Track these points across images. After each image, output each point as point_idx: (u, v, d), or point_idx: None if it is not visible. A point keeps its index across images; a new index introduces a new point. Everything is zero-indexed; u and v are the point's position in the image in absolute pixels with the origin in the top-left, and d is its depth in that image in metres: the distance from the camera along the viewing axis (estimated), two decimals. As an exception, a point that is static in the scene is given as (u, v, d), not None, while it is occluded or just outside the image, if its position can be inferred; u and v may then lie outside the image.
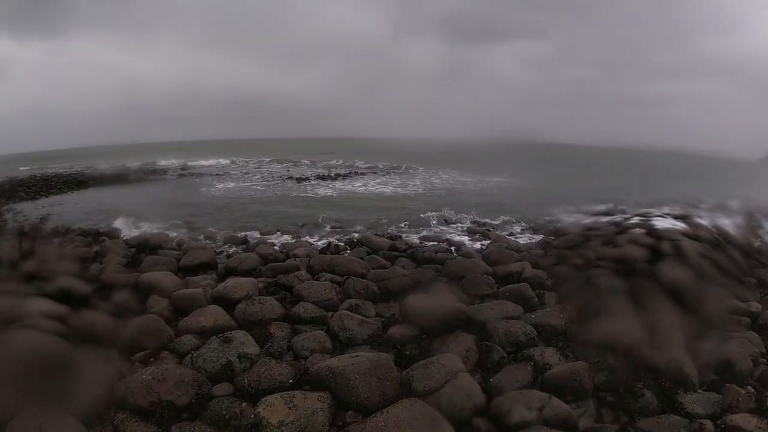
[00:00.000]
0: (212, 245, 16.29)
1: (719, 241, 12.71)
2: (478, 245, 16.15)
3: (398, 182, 37.76)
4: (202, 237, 17.73)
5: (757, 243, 14.77)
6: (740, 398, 7.05)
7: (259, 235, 18.04)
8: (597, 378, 7.32)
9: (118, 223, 19.60)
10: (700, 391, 7.22)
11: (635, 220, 13.21)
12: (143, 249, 15.31)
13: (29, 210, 26.15)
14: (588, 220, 14.33)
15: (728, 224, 13.77)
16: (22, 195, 31.88)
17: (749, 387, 7.40)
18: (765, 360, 8.37)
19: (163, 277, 11.32)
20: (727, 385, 7.34)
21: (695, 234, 12.64)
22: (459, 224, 19.99)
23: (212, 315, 9.20)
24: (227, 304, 9.81)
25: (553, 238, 15.83)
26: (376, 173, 44.18)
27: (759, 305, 10.58)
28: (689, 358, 7.63)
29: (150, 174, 45.59)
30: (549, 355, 7.99)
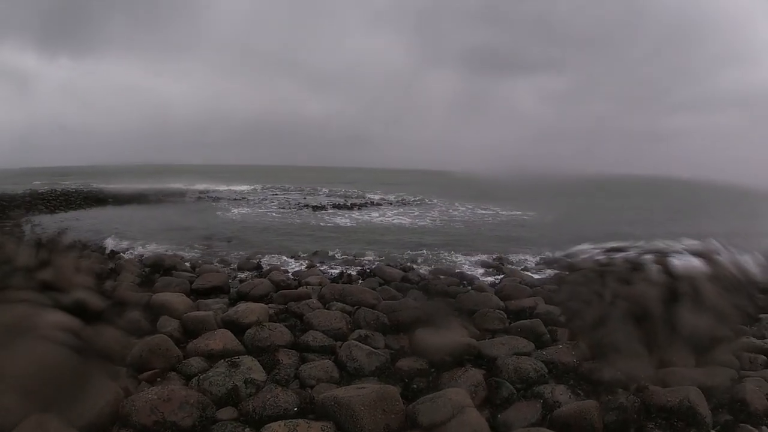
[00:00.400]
0: (225, 269, 16.36)
1: (737, 279, 12.56)
2: (491, 279, 16.04)
3: (416, 213, 37.77)
4: (215, 261, 17.83)
5: None
6: (755, 439, 6.88)
7: (272, 262, 18.09)
8: (607, 417, 7.16)
9: (109, 242, 19.88)
10: (713, 431, 7.05)
11: (651, 256, 13.03)
12: (158, 269, 15.43)
13: (47, 222, 26.65)
14: (603, 256, 14.17)
15: (748, 261, 13.54)
16: (42, 208, 32.61)
17: (764, 427, 7.22)
18: (781, 398, 8.17)
19: (175, 298, 11.37)
20: (741, 425, 7.15)
21: (713, 272, 12.58)
22: (473, 257, 19.82)
23: (221, 339, 9.19)
24: (237, 328, 9.81)
25: (567, 273, 15.65)
26: (393, 204, 44.24)
27: None
28: (702, 398, 7.46)
29: (168, 196, 46.08)
30: (559, 392, 7.85)
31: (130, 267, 15.06)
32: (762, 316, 12.06)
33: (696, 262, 12.11)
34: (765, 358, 9.61)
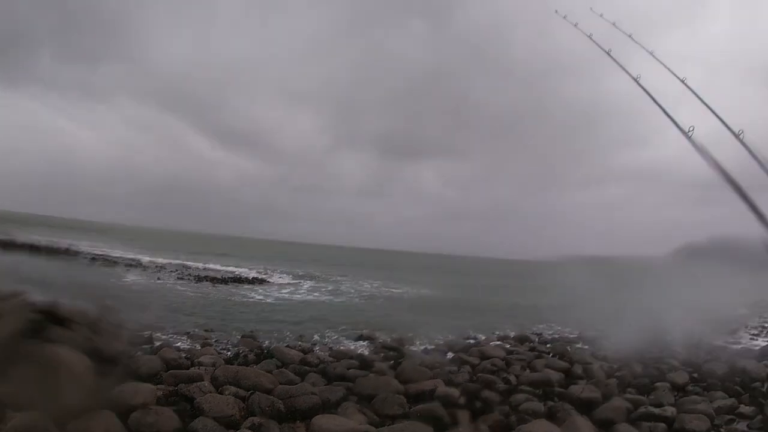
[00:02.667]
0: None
1: (624, 358, 14.11)
2: (391, 362, 15.75)
3: (330, 288, 38.73)
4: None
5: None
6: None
7: (164, 337, 17.04)
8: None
9: None
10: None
11: (550, 344, 14.29)
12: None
13: None
14: (507, 345, 14.92)
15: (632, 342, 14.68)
16: None
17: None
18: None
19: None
20: None
21: (603, 355, 14.40)
22: (374, 339, 19.48)
23: (104, 422, 8.39)
24: (122, 410, 8.95)
25: (467, 355, 15.85)
26: (303, 280, 43.99)
27: (674, 409, 10.86)
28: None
29: (62, 253, 42.89)
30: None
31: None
32: (658, 384, 12.71)
33: (587, 347, 13.46)
34: (665, 425, 10.02)
